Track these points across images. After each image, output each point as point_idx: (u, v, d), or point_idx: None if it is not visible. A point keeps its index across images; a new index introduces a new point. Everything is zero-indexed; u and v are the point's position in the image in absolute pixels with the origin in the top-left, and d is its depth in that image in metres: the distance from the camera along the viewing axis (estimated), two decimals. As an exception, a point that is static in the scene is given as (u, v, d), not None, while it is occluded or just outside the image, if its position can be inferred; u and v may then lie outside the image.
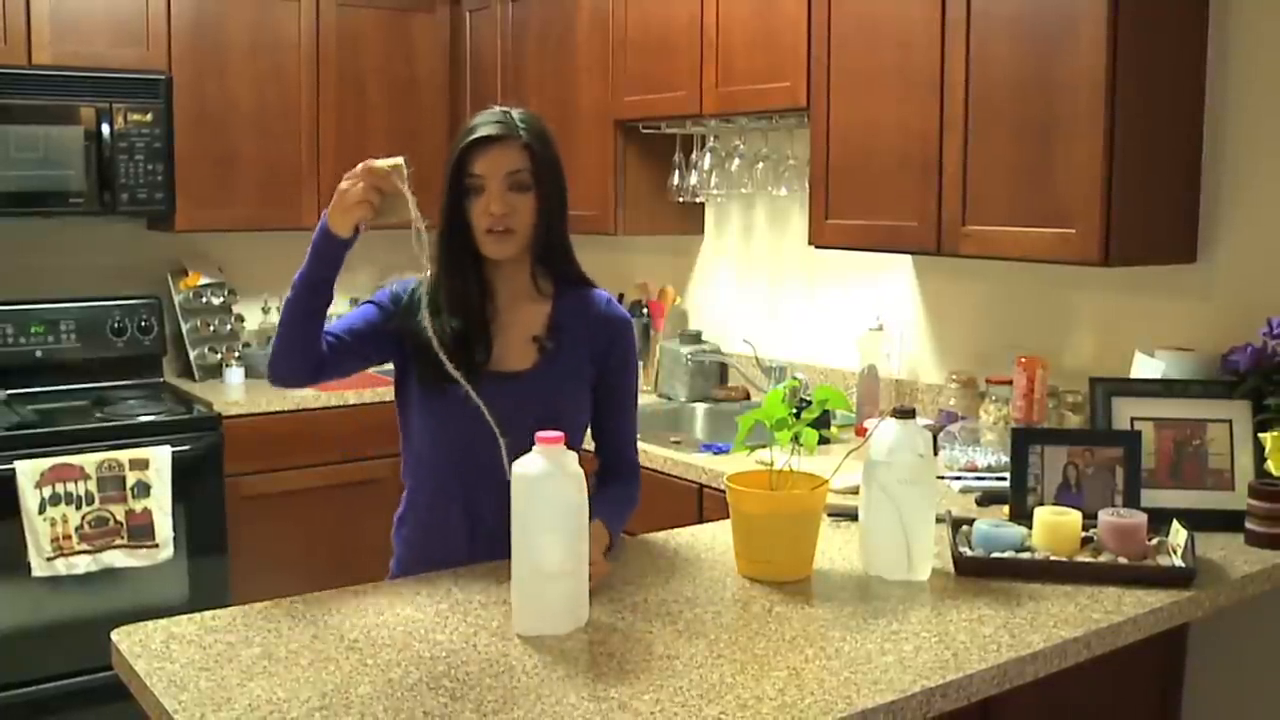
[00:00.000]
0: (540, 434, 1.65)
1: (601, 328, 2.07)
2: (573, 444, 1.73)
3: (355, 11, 4.22)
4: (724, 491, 1.97)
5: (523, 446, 1.69)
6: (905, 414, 1.93)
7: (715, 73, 3.32)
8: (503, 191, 1.95)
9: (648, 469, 3.03)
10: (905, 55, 2.75)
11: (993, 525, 2.07)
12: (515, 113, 2.00)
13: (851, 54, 2.90)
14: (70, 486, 3.34)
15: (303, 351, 2.01)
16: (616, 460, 2.13)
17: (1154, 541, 2.05)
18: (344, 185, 1.91)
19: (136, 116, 3.71)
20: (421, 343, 1.98)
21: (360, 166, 1.91)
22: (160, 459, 3.47)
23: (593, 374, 2.06)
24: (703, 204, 3.91)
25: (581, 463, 1.70)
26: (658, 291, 4.05)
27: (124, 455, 3.43)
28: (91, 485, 3.37)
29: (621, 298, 4.05)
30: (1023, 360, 2.76)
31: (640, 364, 3.92)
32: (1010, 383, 2.81)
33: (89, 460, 3.38)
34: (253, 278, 4.39)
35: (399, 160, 1.91)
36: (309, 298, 1.99)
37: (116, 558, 3.40)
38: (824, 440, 1.95)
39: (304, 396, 3.91)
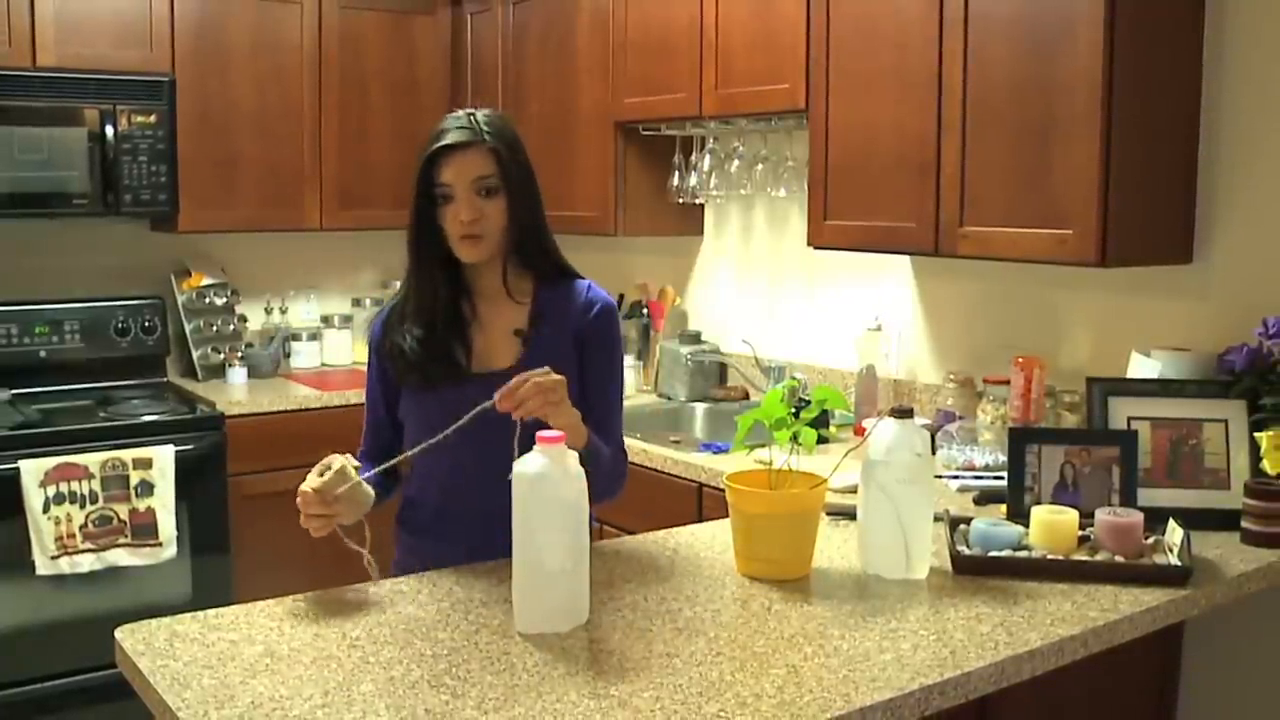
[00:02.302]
0: (541, 433, 1.66)
1: (583, 313, 2.07)
2: None
3: (357, 14, 4.23)
4: (723, 491, 1.98)
5: (524, 441, 1.69)
6: (903, 413, 1.94)
7: (715, 75, 3.33)
8: (471, 197, 1.95)
9: (648, 468, 3.06)
10: (903, 57, 2.77)
11: (990, 524, 2.08)
12: (480, 115, 2.00)
13: (850, 56, 2.92)
14: (74, 485, 3.35)
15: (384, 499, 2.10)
16: (604, 440, 2.11)
17: (1150, 540, 2.06)
18: (301, 509, 1.92)
19: (140, 118, 3.73)
20: (401, 351, 2.02)
21: (299, 499, 1.92)
22: (164, 458, 3.49)
23: (578, 359, 2.06)
24: (702, 205, 3.93)
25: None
26: (657, 292, 4.07)
27: (127, 454, 3.44)
28: (95, 484, 3.38)
29: (622, 298, 4.07)
30: (1020, 360, 2.78)
31: (640, 363, 3.96)
32: (1008, 382, 2.82)
33: (93, 459, 3.39)
34: (255, 278, 4.41)
35: (336, 468, 1.92)
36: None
37: (120, 556, 3.41)
38: (822, 440, 1.96)
39: (306, 396, 3.93)
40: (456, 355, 2.03)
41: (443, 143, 1.95)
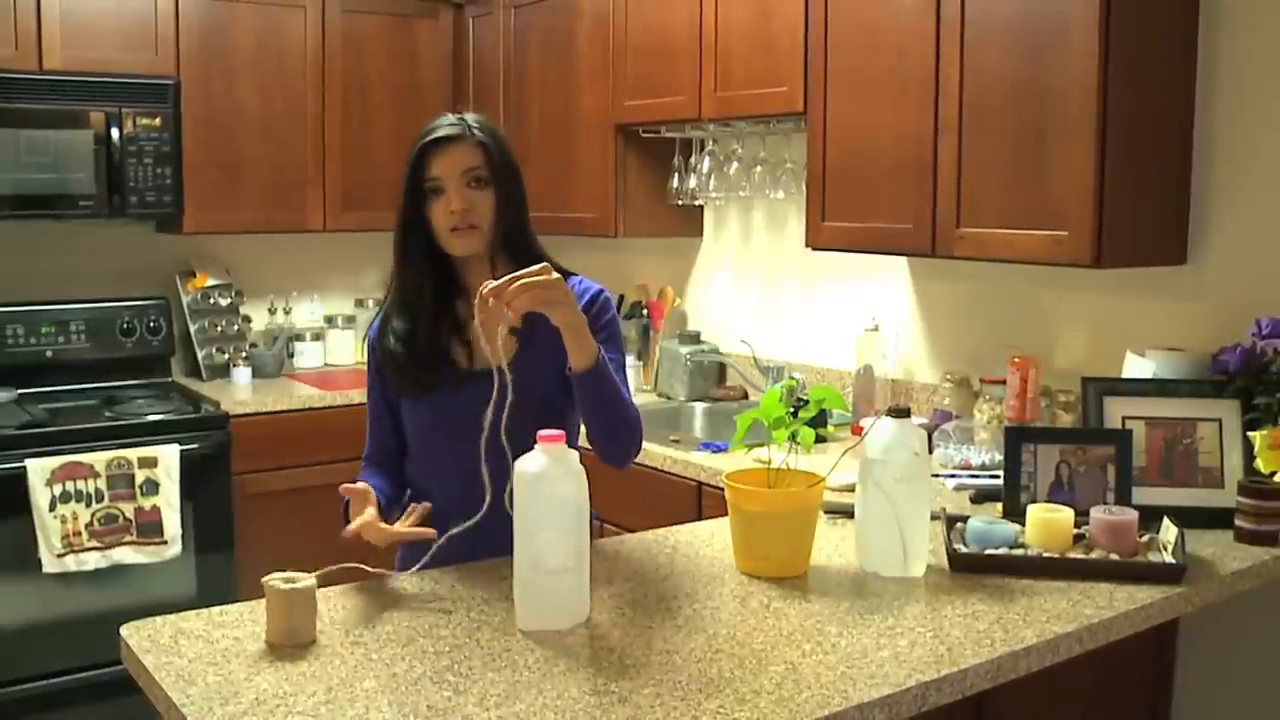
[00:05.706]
0: (541, 432, 1.68)
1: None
2: (570, 430, 1.76)
3: (360, 17, 4.25)
4: (722, 489, 1.99)
5: (521, 438, 1.71)
6: (900, 413, 1.96)
7: (714, 78, 3.35)
8: (461, 188, 1.99)
9: (648, 467, 3.08)
10: (901, 60, 2.78)
11: (986, 522, 2.10)
12: (468, 115, 2.05)
13: (848, 59, 2.93)
14: (80, 484, 3.38)
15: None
16: None
17: (1145, 538, 2.08)
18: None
19: (145, 121, 3.75)
20: (392, 356, 2.05)
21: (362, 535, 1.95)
22: (169, 457, 3.51)
23: None
24: (701, 207, 3.94)
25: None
26: (657, 292, 4.09)
27: (133, 453, 3.47)
28: (101, 483, 3.41)
29: (622, 298, 4.09)
30: (1016, 360, 2.80)
31: (640, 362, 3.98)
32: (1004, 382, 2.84)
33: (99, 458, 3.41)
34: (259, 279, 4.43)
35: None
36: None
37: (126, 554, 3.44)
38: (821, 439, 1.98)
39: (309, 396, 3.95)
40: (456, 355, 2.05)
41: (432, 136, 2.00)
